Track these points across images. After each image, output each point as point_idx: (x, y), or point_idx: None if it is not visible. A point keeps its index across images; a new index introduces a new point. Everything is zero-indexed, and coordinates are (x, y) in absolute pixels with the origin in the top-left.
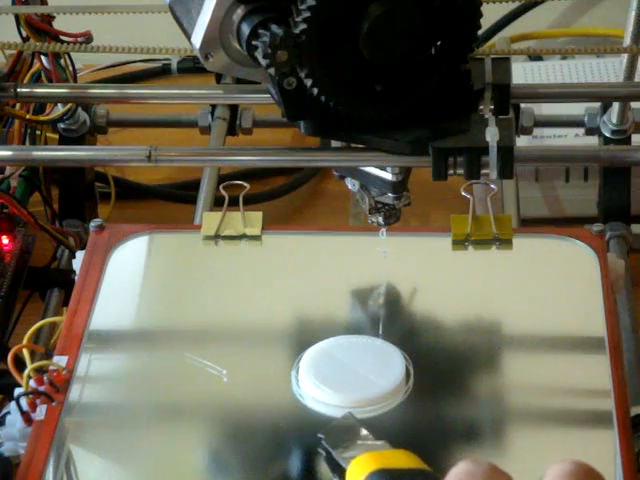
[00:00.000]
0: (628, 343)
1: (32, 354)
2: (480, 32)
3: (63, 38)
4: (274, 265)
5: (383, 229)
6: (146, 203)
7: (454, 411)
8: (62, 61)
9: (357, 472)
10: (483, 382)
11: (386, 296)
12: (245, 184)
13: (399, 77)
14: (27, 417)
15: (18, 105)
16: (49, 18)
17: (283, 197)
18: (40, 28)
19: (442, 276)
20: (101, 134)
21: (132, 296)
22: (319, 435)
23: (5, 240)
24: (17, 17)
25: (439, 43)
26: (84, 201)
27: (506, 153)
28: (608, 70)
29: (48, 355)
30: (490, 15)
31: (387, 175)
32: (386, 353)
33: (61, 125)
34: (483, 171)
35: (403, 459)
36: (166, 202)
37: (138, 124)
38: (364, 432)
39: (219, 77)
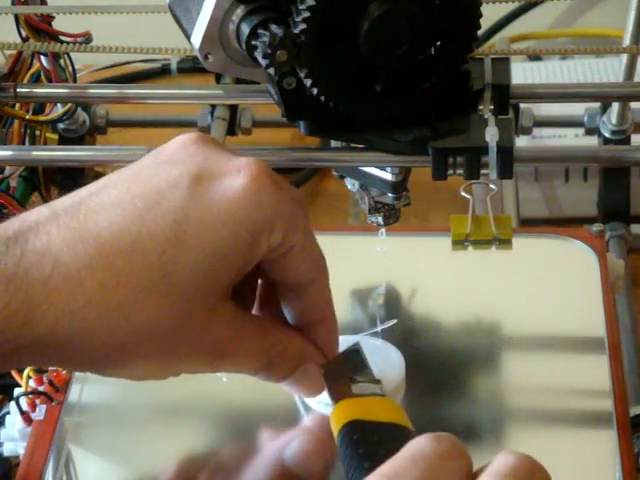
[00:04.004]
0: (628, 343)
1: None
2: (480, 32)
3: (63, 38)
4: None
5: (383, 229)
6: None
7: (454, 411)
8: (62, 61)
9: (336, 420)
10: (483, 382)
11: (386, 296)
12: None
13: (399, 77)
14: (27, 417)
15: (18, 105)
16: (49, 18)
17: None
18: (40, 28)
19: (442, 276)
20: (101, 134)
21: None
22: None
23: None
24: (17, 17)
25: (439, 43)
26: None
27: (506, 153)
28: (608, 70)
29: None
30: (490, 15)
31: (387, 175)
32: (386, 353)
33: (61, 125)
34: (483, 171)
35: (384, 411)
36: None
37: (138, 124)
38: (363, 369)
39: (219, 77)
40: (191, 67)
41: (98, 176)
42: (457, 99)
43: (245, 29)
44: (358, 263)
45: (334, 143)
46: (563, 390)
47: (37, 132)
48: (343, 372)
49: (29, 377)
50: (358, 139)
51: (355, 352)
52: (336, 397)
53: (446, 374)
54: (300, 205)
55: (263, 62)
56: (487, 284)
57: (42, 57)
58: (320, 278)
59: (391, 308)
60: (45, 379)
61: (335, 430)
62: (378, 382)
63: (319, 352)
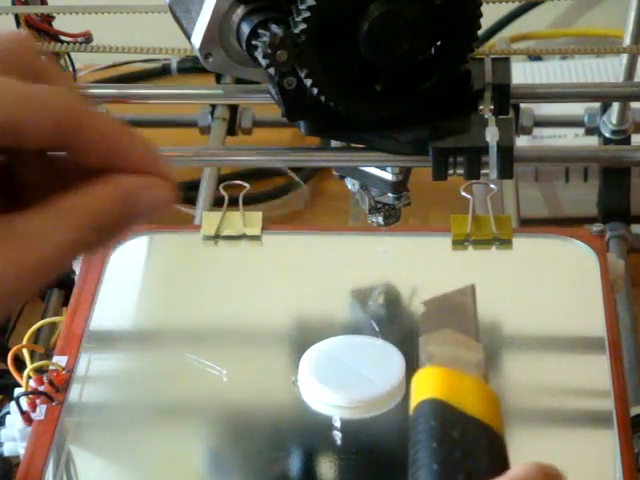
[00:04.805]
0: (628, 343)
1: (32, 354)
2: (480, 32)
3: (63, 38)
4: (274, 265)
5: (383, 229)
6: None
7: None
8: (62, 61)
9: (418, 388)
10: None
11: (386, 296)
12: (245, 184)
13: (399, 77)
14: (27, 417)
15: None
16: (49, 18)
17: (283, 197)
18: (40, 28)
19: (442, 276)
20: None
21: (132, 296)
22: (423, 302)
23: None
24: (17, 17)
25: (439, 43)
26: None
27: (506, 153)
28: (608, 70)
29: (48, 355)
30: (490, 15)
31: (387, 175)
32: (386, 353)
33: None
34: (483, 171)
35: (476, 400)
36: None
37: (138, 124)
38: (470, 324)
39: (219, 77)
40: (191, 67)
41: None
42: (457, 99)
43: (245, 29)
44: (358, 263)
45: (334, 143)
46: (563, 390)
47: None
48: (444, 320)
49: (29, 377)
50: (358, 139)
51: (466, 296)
52: (427, 356)
53: None
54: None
55: (263, 62)
56: (487, 284)
57: (42, 57)
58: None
59: (391, 308)
60: (45, 379)
61: (414, 400)
62: (480, 347)
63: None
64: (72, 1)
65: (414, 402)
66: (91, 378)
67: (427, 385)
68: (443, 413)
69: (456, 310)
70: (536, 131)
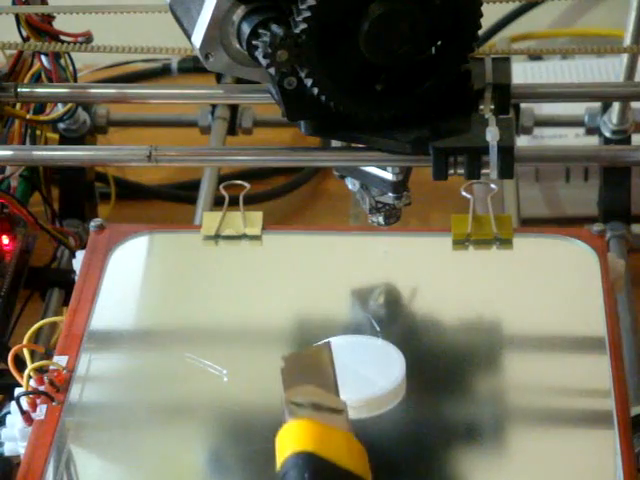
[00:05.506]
0: (628, 343)
1: (32, 354)
2: (480, 32)
3: (63, 38)
4: (274, 265)
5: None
6: (146, 203)
7: (454, 411)
8: (62, 61)
9: (286, 443)
10: (483, 382)
11: (386, 296)
12: (245, 184)
13: (399, 77)
14: (27, 417)
15: (18, 105)
16: (49, 18)
17: (283, 197)
18: (40, 28)
19: (442, 276)
20: (101, 134)
21: (132, 296)
22: (283, 358)
23: (5, 240)
24: (17, 17)
25: (440, 43)
26: (84, 201)
27: (506, 153)
28: (608, 70)
29: (48, 355)
30: (490, 15)
31: (387, 175)
32: (386, 353)
33: (61, 125)
34: (483, 171)
35: (346, 452)
36: (166, 202)
37: (138, 124)
38: (329, 378)
39: (219, 77)
40: (191, 67)
41: (99, 176)
42: (458, 99)
43: (246, 29)
44: (358, 263)
45: (334, 143)
46: (563, 390)
47: (37, 132)
48: (304, 376)
49: (29, 377)
50: (358, 139)
51: (322, 354)
52: (290, 410)
53: (446, 374)
54: None
55: (264, 62)
56: (488, 284)
57: (43, 57)
58: None
59: (391, 308)
60: (46, 379)
61: (281, 454)
62: (342, 402)
63: None
64: (72, 1)
65: (281, 456)
66: (91, 378)
67: (296, 438)
68: (316, 466)
69: (314, 366)
70: (537, 131)
